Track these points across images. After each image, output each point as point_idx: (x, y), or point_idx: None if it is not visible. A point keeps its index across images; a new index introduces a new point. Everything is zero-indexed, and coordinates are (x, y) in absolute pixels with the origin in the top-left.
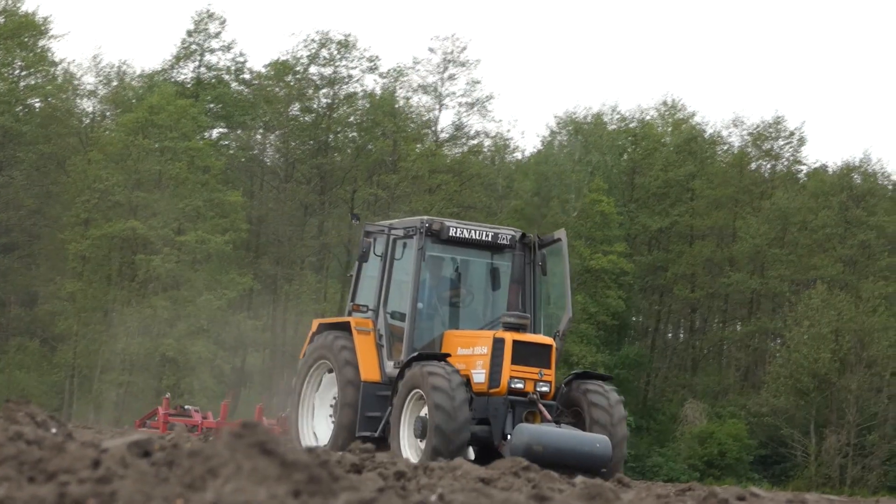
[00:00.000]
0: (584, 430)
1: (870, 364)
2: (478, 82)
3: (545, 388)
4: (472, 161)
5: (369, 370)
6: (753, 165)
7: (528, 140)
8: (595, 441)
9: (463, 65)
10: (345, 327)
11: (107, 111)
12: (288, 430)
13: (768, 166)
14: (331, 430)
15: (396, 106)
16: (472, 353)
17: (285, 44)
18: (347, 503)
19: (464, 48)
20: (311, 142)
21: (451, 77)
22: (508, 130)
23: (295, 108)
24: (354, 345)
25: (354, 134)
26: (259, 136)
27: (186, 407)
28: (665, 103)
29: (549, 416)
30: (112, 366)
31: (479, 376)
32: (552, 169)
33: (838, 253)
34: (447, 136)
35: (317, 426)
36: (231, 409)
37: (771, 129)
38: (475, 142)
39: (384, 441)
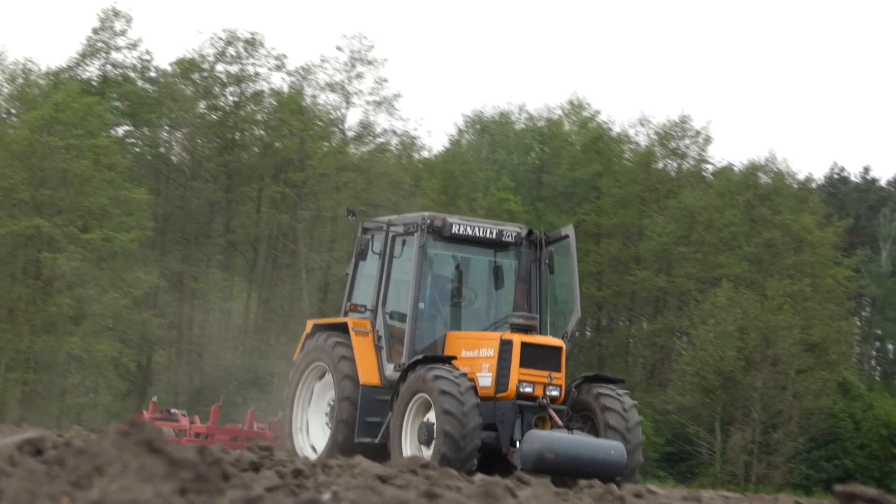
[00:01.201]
0: (596, 435)
1: (775, 362)
2: (385, 81)
3: (555, 393)
4: (379, 159)
5: (368, 373)
6: (660, 164)
7: (435, 138)
8: (610, 448)
9: (370, 63)
10: (341, 328)
11: (11, 109)
12: (280, 435)
13: (675, 165)
14: (327, 436)
15: (303, 104)
16: (477, 355)
17: (192, 42)
18: (233, 501)
19: (371, 47)
20: (218, 140)
21: (359, 75)
22: (415, 129)
23: (201, 106)
24: (352, 347)
25: (261, 132)
26: (165, 134)
27: (172, 410)
28: (571, 102)
29: (559, 422)
30: (16, 364)
31: (486, 380)
32: (459, 167)
33: (744, 251)
34: (354, 134)
35: (311, 432)
36: (223, 413)
37: (677, 129)
38: (382, 140)
39: (385, 447)
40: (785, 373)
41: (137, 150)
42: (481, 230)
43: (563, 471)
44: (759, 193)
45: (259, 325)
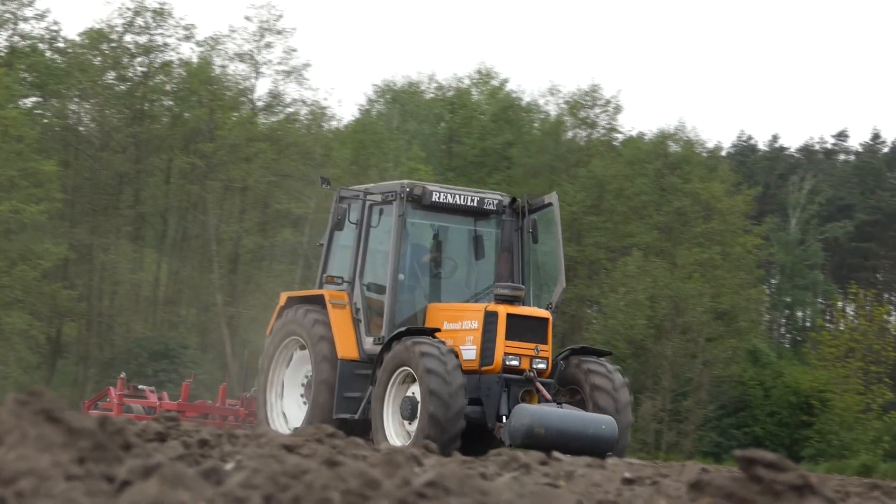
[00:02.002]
0: (583, 409)
1: (685, 330)
2: (294, 50)
3: (542, 366)
4: (289, 129)
5: (346, 347)
6: (570, 133)
7: (345, 108)
8: (601, 422)
9: (279, 33)
10: (318, 301)
11: None
12: (254, 412)
13: (584, 134)
14: (302, 412)
15: (213, 74)
16: (460, 327)
17: (100, 12)
18: (131, 469)
19: (280, 16)
20: (127, 110)
21: (268, 45)
22: (325, 99)
23: (110, 77)
24: (329, 320)
25: (171, 102)
26: (74, 105)
27: (140, 387)
28: (479, 72)
29: (548, 396)
30: None
31: (469, 353)
32: (370, 137)
33: (654, 220)
34: (264, 104)
35: (286, 408)
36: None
37: (587, 98)
38: (292, 110)
39: (365, 424)
40: (695, 341)
41: (46, 121)
42: (462, 198)
43: (553, 446)
44: (669, 162)
45: (169, 297)
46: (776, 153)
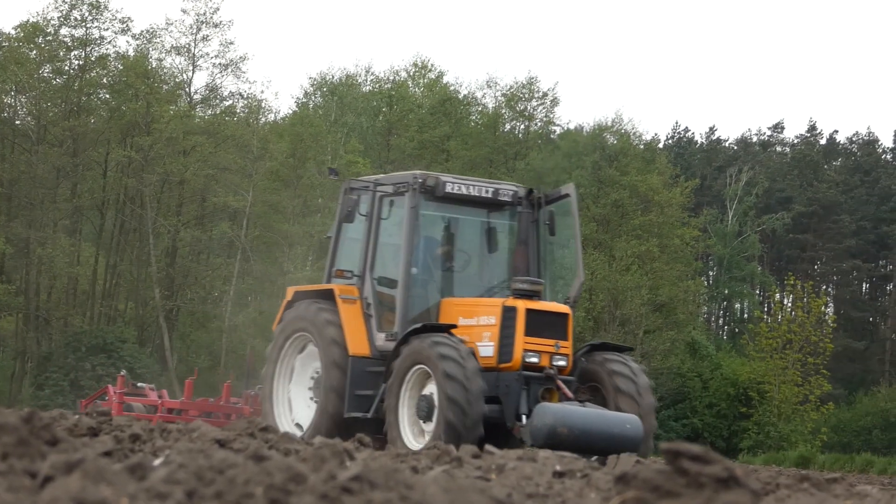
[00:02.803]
0: (604, 407)
1: (623, 322)
2: (231, 43)
3: (562, 363)
4: (226, 122)
5: (357, 343)
6: (508, 126)
7: (282, 101)
8: (625, 421)
9: (216, 26)
10: (327, 295)
11: None
12: (258, 410)
13: (522, 127)
14: (311, 411)
15: (149, 67)
16: (476, 323)
17: (35, 5)
18: (54, 465)
19: (217, 9)
20: (63, 104)
21: (205, 38)
22: (262, 92)
23: (46, 70)
24: (339, 315)
25: (107, 96)
26: (10, 99)
27: (140, 385)
28: (417, 64)
29: (569, 394)
30: None
31: (487, 349)
32: (307, 130)
33: (592, 212)
34: (201, 97)
35: (294, 406)
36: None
37: (524, 91)
38: (229, 103)
39: (378, 422)
40: (633, 333)
41: None
42: (476, 189)
43: (577, 446)
44: (607, 155)
45: (107, 291)
46: (713, 145)
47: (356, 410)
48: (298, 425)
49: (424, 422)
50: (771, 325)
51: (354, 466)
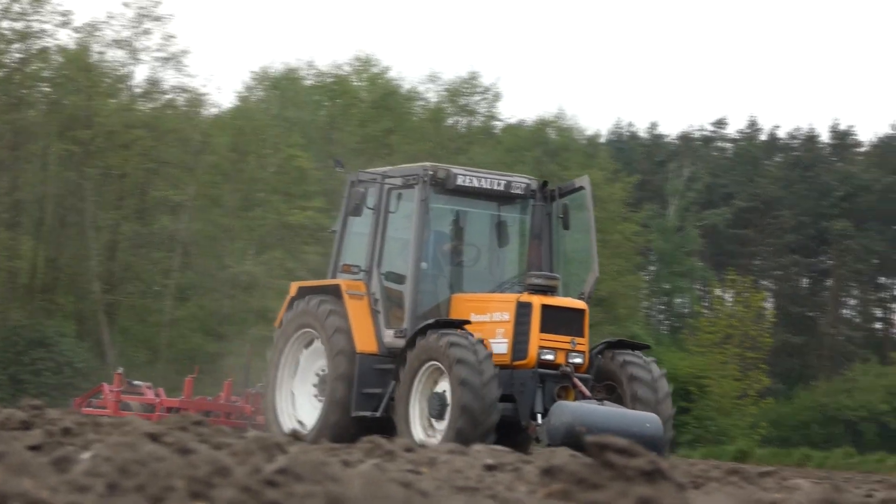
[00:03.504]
0: (623, 406)
1: None
2: (173, 37)
3: (578, 360)
4: (167, 116)
5: (365, 340)
6: (450, 121)
7: (224, 95)
8: (645, 420)
9: (157, 19)
10: (332, 291)
11: None
12: (261, 409)
13: (464, 122)
14: (315, 410)
15: (90, 61)
16: (489, 319)
17: None
18: None
19: (158, 2)
20: (4, 97)
21: (146, 31)
22: (204, 85)
23: None
24: (346, 311)
25: (48, 89)
26: None
27: (135, 383)
28: (360, 59)
29: (587, 392)
30: None
31: (500, 346)
32: (249, 124)
33: None
34: (142, 91)
35: (298, 404)
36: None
37: (466, 85)
38: (170, 96)
39: (386, 421)
40: None
41: None
42: (488, 182)
43: None
44: (548, 149)
45: (46, 285)
46: (655, 141)
47: (364, 409)
48: (301, 422)
49: (437, 420)
50: (711, 320)
51: (282, 460)
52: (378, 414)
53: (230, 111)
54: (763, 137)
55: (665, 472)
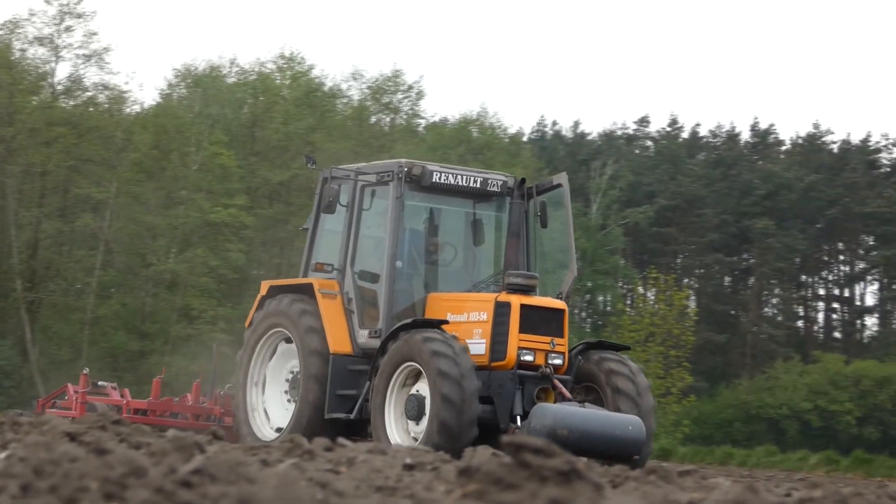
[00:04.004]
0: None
1: None
2: (95, 34)
3: (558, 361)
4: (89, 113)
5: (339, 340)
6: (373, 119)
7: (146, 92)
8: (627, 423)
9: (80, 16)
10: (305, 290)
11: None
12: (231, 410)
13: (388, 120)
14: (286, 412)
15: (12, 58)
16: (466, 319)
17: None
18: None
19: (80, 0)
20: None
21: (68, 29)
22: (126, 83)
23: None
24: (319, 310)
25: None
26: None
27: (100, 383)
28: (283, 56)
29: (567, 394)
30: None
31: (478, 347)
32: (171, 122)
33: None
34: (64, 88)
35: (269, 406)
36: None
37: (390, 83)
38: (92, 94)
39: (361, 423)
40: None
41: None
42: (464, 178)
43: (577, 448)
44: (472, 148)
45: None
46: (578, 139)
47: (338, 411)
48: (280, 430)
49: (415, 422)
50: (634, 318)
51: (197, 460)
52: (352, 416)
53: (153, 109)
54: (685, 136)
55: (581, 471)
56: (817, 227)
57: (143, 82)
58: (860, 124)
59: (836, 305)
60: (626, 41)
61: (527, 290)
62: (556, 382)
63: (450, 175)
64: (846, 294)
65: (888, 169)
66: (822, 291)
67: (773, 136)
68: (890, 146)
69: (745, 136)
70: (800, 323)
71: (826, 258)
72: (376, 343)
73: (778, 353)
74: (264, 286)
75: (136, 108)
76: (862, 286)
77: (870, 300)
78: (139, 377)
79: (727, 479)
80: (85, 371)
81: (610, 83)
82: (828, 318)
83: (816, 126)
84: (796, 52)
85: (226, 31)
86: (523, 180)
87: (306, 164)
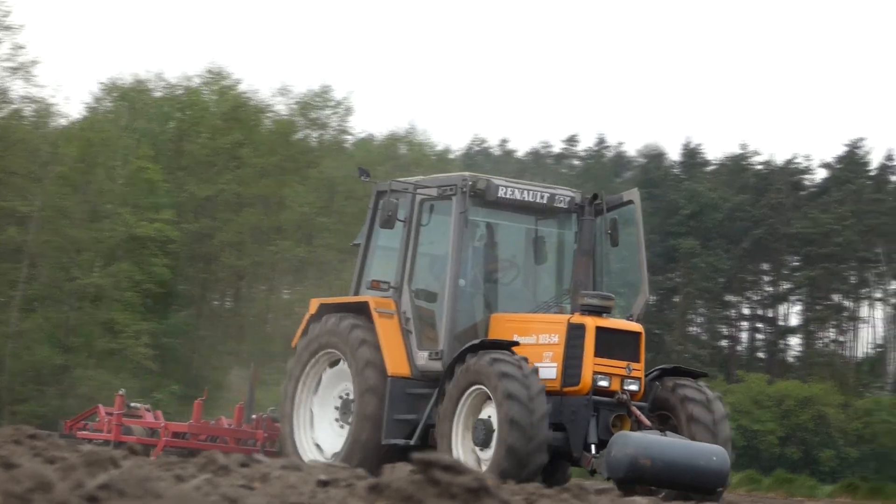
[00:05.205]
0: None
1: None
2: (22, 47)
3: (634, 387)
4: (15, 126)
5: (396, 362)
6: (301, 134)
7: (73, 106)
8: (712, 453)
9: (7, 29)
10: (358, 309)
11: None
12: (275, 435)
13: (315, 135)
14: (338, 437)
15: None
16: (535, 341)
17: None
18: None
19: (8, 13)
20: None
21: None
22: (53, 96)
23: None
24: (375, 331)
25: None
26: None
27: (133, 405)
28: (210, 71)
29: (647, 422)
30: None
31: (549, 371)
32: (97, 135)
33: None
34: None
35: (317, 431)
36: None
37: (318, 99)
38: (17, 107)
39: (421, 450)
40: None
41: None
42: (531, 194)
43: (660, 479)
44: (400, 164)
45: None
46: (506, 157)
47: (395, 437)
48: (318, 446)
49: (481, 449)
50: None
51: (106, 475)
52: (412, 442)
53: (79, 122)
54: (611, 155)
55: (490, 489)
56: (742, 247)
57: (69, 95)
58: (785, 145)
59: (760, 325)
60: (555, 60)
61: (602, 311)
62: (634, 409)
63: (516, 190)
64: (770, 314)
65: (813, 189)
66: (746, 311)
67: (699, 156)
68: (813, 168)
69: (672, 155)
70: (724, 342)
71: (750, 278)
72: (436, 365)
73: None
74: (313, 304)
75: (63, 121)
76: (786, 306)
77: (794, 320)
78: (63, 391)
79: (643, 498)
80: (121, 392)
81: (538, 102)
82: (752, 338)
83: (743, 147)
84: (724, 73)
85: (153, 45)
86: (595, 196)
87: (359, 176)
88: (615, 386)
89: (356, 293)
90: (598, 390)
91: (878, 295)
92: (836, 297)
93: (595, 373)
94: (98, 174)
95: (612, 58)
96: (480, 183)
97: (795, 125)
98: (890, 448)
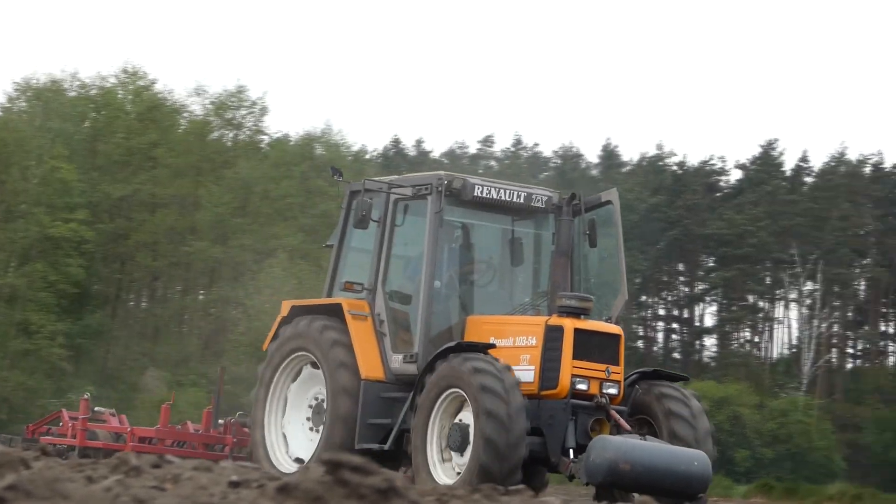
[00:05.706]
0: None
1: None
2: None
3: (613, 391)
4: None
5: (370, 365)
6: (216, 134)
7: None
8: (693, 458)
9: None
10: (332, 311)
11: None
12: (245, 441)
13: (231, 136)
14: (310, 442)
15: None
16: (512, 344)
17: None
18: None
19: None
20: None
21: None
22: None
23: None
24: (349, 333)
25: None
26: None
27: (97, 409)
28: (125, 70)
29: (627, 426)
30: None
31: (527, 374)
32: (11, 135)
33: (299, 222)
34: None
35: (290, 437)
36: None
37: (233, 99)
38: None
39: (395, 455)
40: None
41: None
42: (507, 193)
43: (639, 484)
44: (315, 164)
45: None
46: (421, 158)
47: (369, 441)
48: (299, 460)
49: (458, 454)
50: None
51: (14, 476)
52: (386, 447)
53: None
54: (527, 155)
55: (400, 490)
56: (658, 247)
57: None
58: (700, 146)
59: (675, 326)
60: (472, 60)
61: (580, 312)
62: (614, 413)
63: (492, 189)
64: (686, 315)
65: (728, 191)
66: (662, 312)
67: (617, 157)
68: (728, 169)
69: (589, 156)
70: (640, 343)
71: (666, 279)
72: (411, 368)
73: None
74: (285, 306)
75: None
76: (701, 307)
77: (709, 321)
78: None
79: (556, 497)
80: (86, 395)
81: (454, 102)
82: (667, 339)
83: (659, 147)
84: (641, 72)
85: (67, 44)
86: (573, 196)
87: (332, 175)
88: (594, 389)
89: (329, 295)
90: (576, 394)
91: (793, 296)
92: (751, 298)
93: (573, 376)
94: (12, 174)
95: (528, 58)
96: (456, 182)
97: (711, 126)
98: (804, 448)
